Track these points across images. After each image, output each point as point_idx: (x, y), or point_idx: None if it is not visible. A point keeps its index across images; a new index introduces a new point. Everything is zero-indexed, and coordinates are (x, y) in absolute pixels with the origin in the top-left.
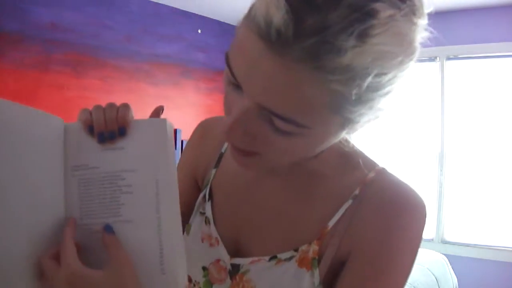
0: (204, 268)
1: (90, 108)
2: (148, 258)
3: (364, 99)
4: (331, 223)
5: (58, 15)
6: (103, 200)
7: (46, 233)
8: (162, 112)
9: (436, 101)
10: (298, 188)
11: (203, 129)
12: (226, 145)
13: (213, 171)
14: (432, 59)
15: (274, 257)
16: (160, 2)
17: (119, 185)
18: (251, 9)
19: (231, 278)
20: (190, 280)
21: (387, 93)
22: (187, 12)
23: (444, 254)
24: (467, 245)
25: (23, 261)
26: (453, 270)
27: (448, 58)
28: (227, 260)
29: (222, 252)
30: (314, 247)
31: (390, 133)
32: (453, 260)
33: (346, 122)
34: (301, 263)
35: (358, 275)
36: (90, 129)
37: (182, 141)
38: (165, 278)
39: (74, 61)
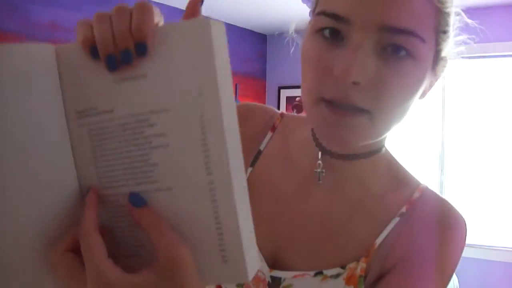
0: None
1: None
2: (201, 243)
3: (446, 25)
4: (378, 240)
5: (58, 15)
6: (127, 159)
7: (55, 211)
8: (202, 3)
9: (437, 101)
10: (347, 201)
11: (242, 116)
12: (265, 142)
13: (249, 169)
14: None
15: (319, 273)
16: (160, 1)
17: (147, 135)
18: None
19: None
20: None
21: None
22: None
23: None
24: (468, 245)
25: (27, 254)
26: None
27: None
28: (266, 271)
29: (260, 263)
30: (362, 265)
31: (390, 133)
32: None
33: (435, 57)
34: (349, 281)
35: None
36: (93, 51)
37: None
38: (229, 268)
39: None
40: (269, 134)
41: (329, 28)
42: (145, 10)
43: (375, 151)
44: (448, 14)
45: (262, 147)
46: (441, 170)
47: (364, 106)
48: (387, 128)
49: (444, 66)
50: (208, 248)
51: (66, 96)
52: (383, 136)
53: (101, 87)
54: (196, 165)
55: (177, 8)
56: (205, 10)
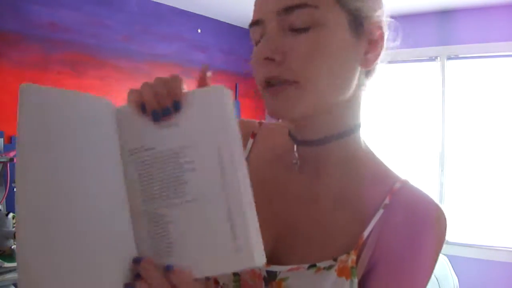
0: (235, 274)
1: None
2: (218, 237)
3: None
4: (366, 233)
5: (57, 14)
6: (165, 180)
7: (113, 227)
8: (208, 71)
9: (437, 100)
10: (330, 189)
11: None
12: (248, 148)
13: None
14: (432, 58)
15: (313, 266)
16: (160, 1)
17: (180, 162)
18: None
19: (266, 285)
20: (217, 282)
21: None
22: (187, 11)
23: (445, 254)
24: (468, 245)
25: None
26: (454, 270)
27: (449, 58)
28: (262, 266)
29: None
30: (352, 257)
31: (391, 133)
32: (454, 260)
33: (352, 20)
34: (341, 272)
35: (384, 280)
36: (142, 108)
37: None
38: (240, 255)
39: (74, 61)
40: (251, 141)
41: (255, 36)
42: (176, 80)
43: (344, 133)
44: None
45: (246, 153)
46: (441, 170)
47: (289, 77)
48: (319, 95)
49: (377, 27)
50: (224, 240)
51: (122, 139)
52: (324, 104)
53: (148, 132)
54: (214, 182)
55: (177, 8)
56: (206, 10)
